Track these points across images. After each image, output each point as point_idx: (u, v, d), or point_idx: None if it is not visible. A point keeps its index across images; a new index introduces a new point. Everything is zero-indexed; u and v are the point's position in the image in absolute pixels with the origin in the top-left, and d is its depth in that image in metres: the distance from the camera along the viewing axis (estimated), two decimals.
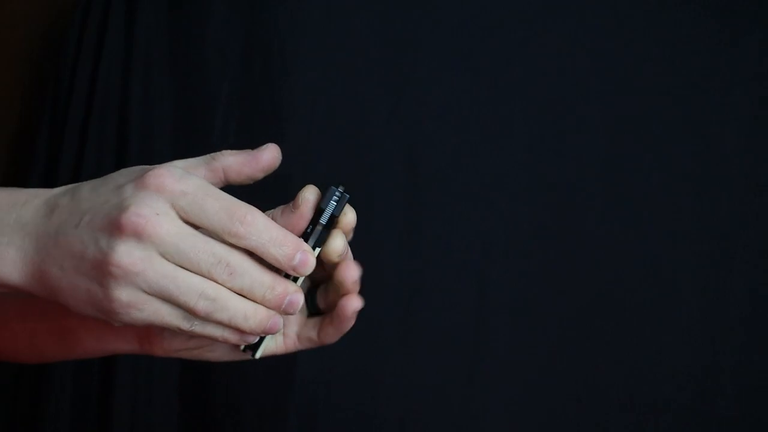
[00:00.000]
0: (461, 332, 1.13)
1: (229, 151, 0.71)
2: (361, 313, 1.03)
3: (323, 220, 0.71)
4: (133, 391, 1.15)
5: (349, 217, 0.74)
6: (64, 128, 1.18)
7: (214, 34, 1.16)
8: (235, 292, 0.67)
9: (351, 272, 0.73)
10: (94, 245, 0.64)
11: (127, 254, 0.63)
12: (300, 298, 0.68)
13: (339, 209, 0.72)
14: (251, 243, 0.66)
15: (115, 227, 0.63)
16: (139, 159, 1.16)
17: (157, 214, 0.64)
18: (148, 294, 0.65)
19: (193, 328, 0.66)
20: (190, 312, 0.65)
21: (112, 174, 0.67)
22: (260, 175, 0.71)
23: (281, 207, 0.73)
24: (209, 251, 0.65)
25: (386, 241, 1.13)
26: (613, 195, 1.14)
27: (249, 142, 1.16)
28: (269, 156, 0.71)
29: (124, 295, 0.64)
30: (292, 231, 0.71)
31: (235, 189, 1.12)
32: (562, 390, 1.13)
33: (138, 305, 0.65)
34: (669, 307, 1.13)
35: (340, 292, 0.72)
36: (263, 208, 1.19)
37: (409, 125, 1.14)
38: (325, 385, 1.14)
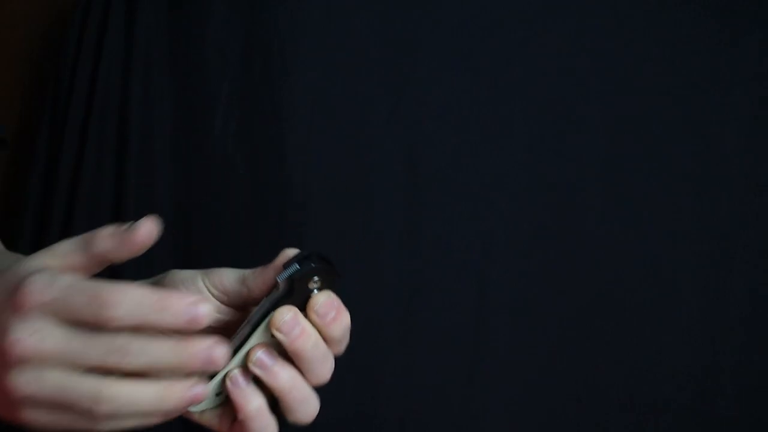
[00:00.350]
0: (461, 332, 1.13)
1: (102, 235, 0.69)
2: (361, 313, 1.03)
3: (280, 278, 0.68)
4: None
5: (318, 299, 0.69)
6: (64, 128, 1.18)
7: (214, 34, 1.16)
8: (142, 374, 0.64)
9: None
10: None
11: (16, 380, 0.63)
12: (219, 349, 0.64)
13: (301, 274, 0.68)
14: (132, 322, 0.63)
15: (1, 357, 0.63)
16: (139, 159, 1.16)
17: (32, 334, 0.63)
18: (51, 409, 0.64)
19: (106, 428, 0.65)
20: (95, 418, 0.64)
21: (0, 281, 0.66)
22: (140, 253, 0.69)
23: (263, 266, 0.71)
24: (95, 345, 0.63)
25: (386, 241, 1.13)
26: (613, 195, 1.14)
27: (249, 142, 1.16)
28: (142, 235, 0.68)
29: (28, 414, 0.64)
30: (264, 288, 0.69)
31: (234, 199, 1.12)
32: (562, 390, 1.13)
33: (44, 419, 0.64)
34: (669, 307, 1.13)
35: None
36: (264, 211, 1.19)
37: (409, 125, 1.14)
38: (324, 385, 1.14)
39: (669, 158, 1.14)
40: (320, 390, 1.17)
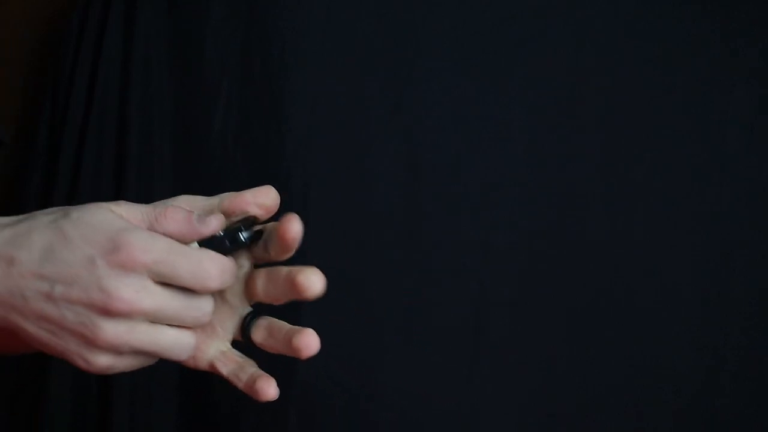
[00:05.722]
0: (461, 332, 1.13)
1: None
2: (362, 313, 1.03)
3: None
4: (132, 390, 1.15)
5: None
6: (64, 128, 1.18)
7: (214, 34, 1.16)
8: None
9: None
10: (75, 319, 0.67)
11: (113, 330, 0.67)
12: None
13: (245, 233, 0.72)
14: (218, 289, 0.69)
15: (100, 310, 0.66)
16: (139, 159, 1.16)
17: (137, 292, 0.67)
18: (128, 354, 0.69)
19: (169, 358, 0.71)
20: (171, 358, 0.70)
21: (71, 234, 0.68)
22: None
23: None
24: (189, 307, 0.69)
25: (386, 241, 1.13)
26: (613, 195, 1.14)
27: (249, 142, 1.16)
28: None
29: (103, 360, 0.68)
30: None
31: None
32: (562, 390, 1.13)
33: (116, 365, 0.69)
34: (669, 307, 1.13)
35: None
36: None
37: (409, 125, 1.14)
38: (325, 384, 1.14)
39: (669, 158, 1.14)
40: (321, 389, 1.17)
